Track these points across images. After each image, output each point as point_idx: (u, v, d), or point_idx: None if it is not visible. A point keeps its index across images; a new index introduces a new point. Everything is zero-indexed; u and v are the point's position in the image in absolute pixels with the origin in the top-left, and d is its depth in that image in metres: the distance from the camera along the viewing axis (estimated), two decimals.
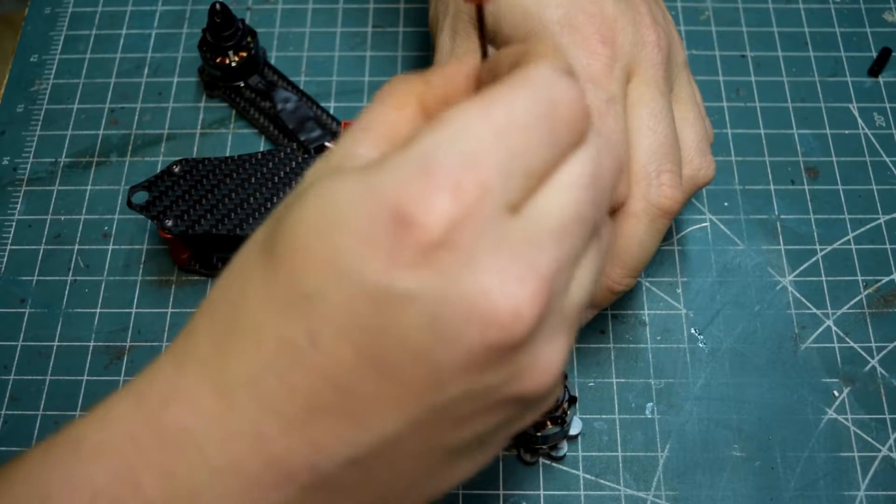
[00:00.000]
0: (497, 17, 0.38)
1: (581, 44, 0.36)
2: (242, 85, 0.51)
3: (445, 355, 0.23)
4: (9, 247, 0.48)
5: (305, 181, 0.26)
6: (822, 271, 0.46)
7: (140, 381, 0.26)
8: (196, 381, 0.25)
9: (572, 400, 0.40)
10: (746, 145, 0.50)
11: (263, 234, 0.25)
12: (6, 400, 0.43)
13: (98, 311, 0.46)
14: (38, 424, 0.43)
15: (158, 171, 0.45)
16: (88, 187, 0.49)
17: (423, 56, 0.53)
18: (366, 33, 0.54)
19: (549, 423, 0.40)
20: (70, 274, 0.47)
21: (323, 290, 0.23)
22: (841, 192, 0.49)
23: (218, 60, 0.49)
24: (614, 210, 0.36)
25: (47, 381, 0.44)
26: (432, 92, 0.27)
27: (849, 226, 0.48)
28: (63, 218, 0.48)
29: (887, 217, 0.48)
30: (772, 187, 0.49)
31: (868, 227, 0.48)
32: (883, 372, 0.44)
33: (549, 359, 0.25)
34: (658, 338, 0.45)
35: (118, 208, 0.49)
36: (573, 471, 0.42)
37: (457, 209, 0.22)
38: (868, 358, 0.44)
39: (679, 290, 0.46)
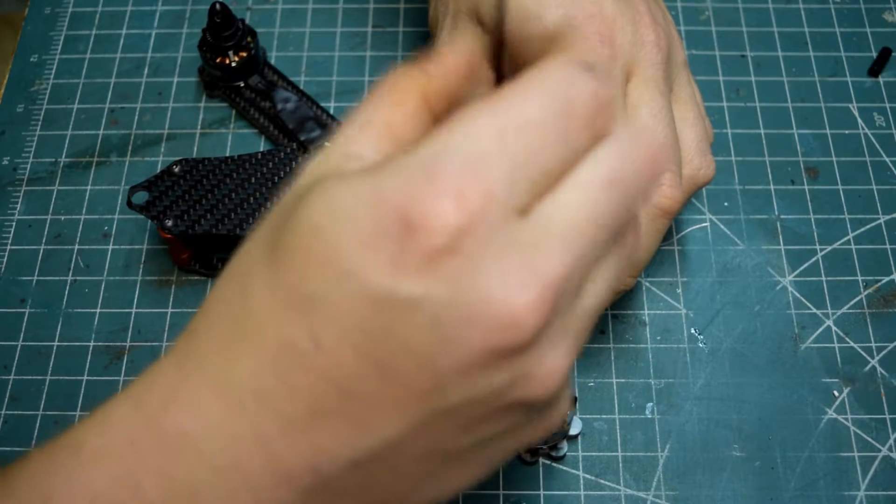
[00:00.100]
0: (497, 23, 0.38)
1: (580, 43, 0.36)
2: (242, 85, 0.51)
3: (447, 359, 0.23)
4: (9, 247, 0.48)
5: (304, 179, 0.26)
6: (822, 271, 0.46)
7: (139, 384, 0.26)
8: (197, 383, 0.25)
9: (572, 400, 0.40)
10: (746, 145, 0.50)
11: (265, 234, 0.25)
12: (6, 400, 0.43)
13: (98, 311, 0.46)
14: (38, 424, 0.43)
15: (158, 171, 0.45)
16: (88, 187, 0.49)
17: None
18: (366, 33, 0.54)
19: None
20: (70, 274, 0.47)
21: (326, 292, 0.23)
22: (841, 192, 0.49)
23: (218, 60, 0.49)
24: None
25: (47, 381, 0.44)
26: (433, 85, 0.27)
27: (849, 226, 0.48)
28: (63, 218, 0.48)
29: (887, 217, 0.48)
30: (772, 187, 0.49)
31: (868, 227, 0.48)
32: (883, 372, 0.44)
33: (552, 364, 0.24)
34: (658, 338, 0.45)
35: (118, 208, 0.49)
36: (573, 471, 0.42)
37: (461, 215, 0.22)
38: (868, 358, 0.44)
39: (679, 290, 0.46)
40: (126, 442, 0.25)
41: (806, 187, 0.49)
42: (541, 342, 0.24)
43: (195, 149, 0.50)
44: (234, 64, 0.49)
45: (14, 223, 0.48)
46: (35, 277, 0.47)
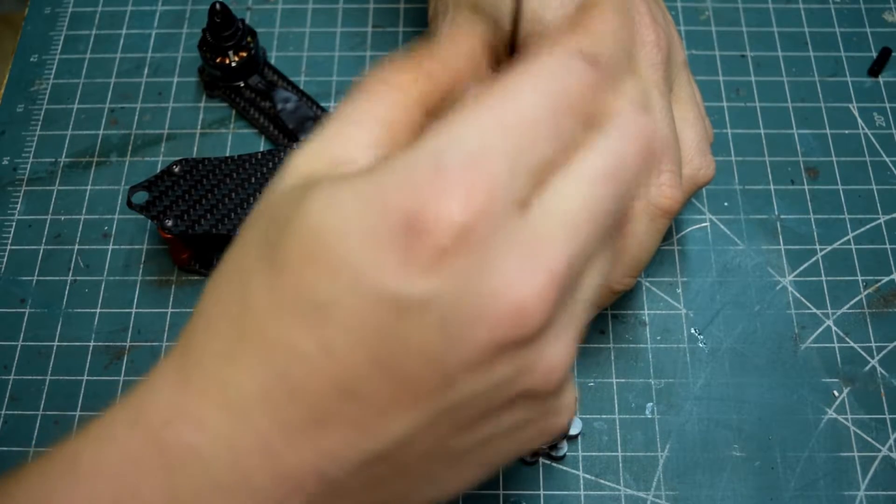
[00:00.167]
0: (498, 18, 0.38)
1: None
2: (242, 85, 0.51)
3: (456, 356, 0.23)
4: (9, 247, 0.48)
5: (291, 178, 0.25)
6: (822, 271, 0.46)
7: (137, 397, 0.25)
8: (198, 394, 0.24)
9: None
10: (746, 145, 0.50)
11: (258, 240, 0.25)
12: (6, 400, 0.43)
13: (98, 311, 0.46)
14: (38, 424, 0.43)
15: (158, 171, 0.45)
16: (88, 187, 0.49)
17: None
18: (366, 33, 0.54)
19: None
20: (70, 274, 0.47)
21: (335, 298, 0.22)
22: (841, 192, 0.49)
23: (218, 60, 0.49)
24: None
25: (47, 381, 0.44)
26: (430, 81, 0.26)
27: (849, 226, 0.48)
28: (63, 218, 0.48)
29: (887, 217, 0.48)
30: (772, 187, 0.49)
31: (868, 227, 0.48)
32: (883, 372, 0.44)
33: (556, 355, 0.25)
34: (658, 338, 0.45)
35: (118, 208, 0.49)
36: (573, 471, 0.42)
37: (468, 213, 0.22)
38: (868, 358, 0.44)
39: (679, 290, 0.46)
40: (126, 458, 0.24)
41: (806, 187, 0.49)
42: (545, 334, 0.24)
43: (195, 149, 0.50)
44: (234, 64, 0.49)
45: (14, 223, 0.48)
46: (35, 277, 0.47)
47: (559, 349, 0.24)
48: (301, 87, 0.51)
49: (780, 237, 0.47)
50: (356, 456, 0.24)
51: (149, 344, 0.45)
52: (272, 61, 0.53)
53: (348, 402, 0.23)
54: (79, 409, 0.43)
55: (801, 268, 0.46)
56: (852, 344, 0.44)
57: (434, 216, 0.22)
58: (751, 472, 0.41)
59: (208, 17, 0.48)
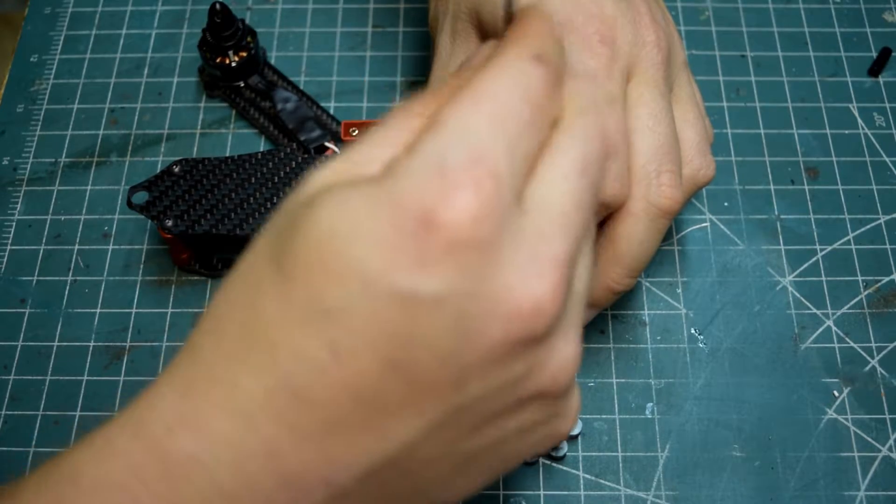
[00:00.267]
0: (497, 18, 0.38)
1: (581, 44, 0.36)
2: (242, 85, 0.51)
3: (469, 353, 0.23)
4: (9, 247, 0.48)
5: (308, 189, 0.25)
6: (822, 271, 0.46)
7: (139, 408, 0.25)
8: (202, 402, 0.24)
9: None
10: (746, 145, 0.50)
11: (268, 248, 0.25)
12: (6, 400, 0.43)
13: (98, 311, 0.46)
14: (38, 424, 0.43)
15: (158, 171, 0.45)
16: (88, 187, 0.49)
17: (423, 56, 0.53)
18: (366, 33, 0.54)
19: None
20: (70, 274, 0.47)
21: (347, 302, 0.22)
22: (841, 192, 0.49)
23: (218, 60, 0.49)
24: (614, 211, 0.36)
25: (47, 381, 0.44)
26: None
27: (849, 226, 0.48)
28: (63, 218, 0.48)
29: (887, 217, 0.48)
30: (772, 187, 0.49)
31: (868, 227, 0.48)
32: (883, 372, 0.44)
33: (565, 354, 0.25)
34: (658, 338, 0.45)
35: (118, 208, 0.49)
36: (573, 471, 0.42)
37: (477, 204, 0.22)
38: (868, 358, 0.44)
39: (679, 290, 0.46)
40: (129, 471, 0.24)
41: (806, 187, 0.49)
42: (555, 331, 0.24)
43: (195, 149, 0.50)
44: (234, 64, 0.49)
45: (14, 223, 0.48)
46: (35, 277, 0.47)
47: (568, 347, 0.25)
48: (301, 87, 0.51)
49: (780, 237, 0.47)
50: (365, 461, 0.24)
51: (149, 344, 0.45)
52: (272, 61, 0.53)
53: (358, 407, 0.23)
54: (79, 409, 0.43)
55: (801, 268, 0.46)
56: (852, 344, 0.44)
57: (445, 211, 0.22)
58: (751, 472, 0.41)
59: (208, 17, 0.48)
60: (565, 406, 0.27)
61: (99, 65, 0.53)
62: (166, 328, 0.45)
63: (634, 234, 0.36)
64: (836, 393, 0.43)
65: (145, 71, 0.53)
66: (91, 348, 0.45)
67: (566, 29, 0.36)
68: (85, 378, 0.44)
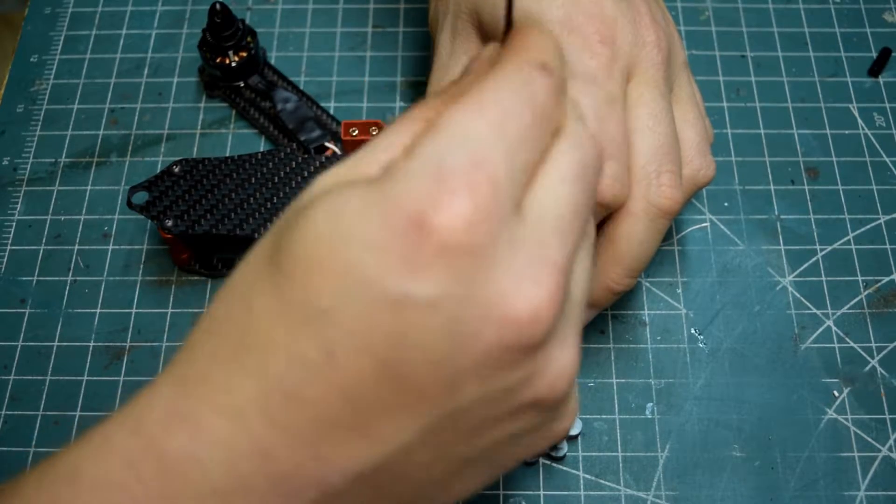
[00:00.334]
0: (498, 18, 0.38)
1: (581, 44, 0.36)
2: (242, 85, 0.51)
3: (462, 358, 0.23)
4: (9, 247, 0.48)
5: (309, 193, 0.25)
6: (822, 271, 0.46)
7: (136, 405, 0.25)
8: (198, 401, 0.24)
9: None
10: (746, 145, 0.50)
11: (267, 249, 0.25)
12: (6, 400, 0.43)
13: (98, 311, 0.46)
14: (38, 424, 0.43)
15: (158, 171, 0.45)
16: (88, 187, 0.49)
17: (423, 56, 0.53)
18: (366, 33, 0.54)
19: None
20: (70, 274, 0.47)
21: (340, 303, 0.22)
22: (841, 192, 0.49)
23: (218, 60, 0.49)
24: (614, 211, 0.36)
25: (47, 381, 0.44)
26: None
27: (849, 226, 0.48)
28: (63, 218, 0.48)
29: (887, 217, 0.48)
30: (772, 187, 0.49)
31: (868, 227, 0.48)
32: (883, 372, 0.44)
33: (562, 361, 0.25)
34: (658, 338, 0.45)
35: (118, 208, 0.49)
36: (573, 471, 0.42)
37: (472, 209, 0.22)
38: (868, 358, 0.44)
39: (679, 290, 0.46)
40: (126, 468, 0.24)
41: (806, 187, 0.49)
42: (552, 339, 0.24)
43: (195, 149, 0.50)
44: (234, 64, 0.49)
45: (14, 223, 0.48)
46: (35, 277, 0.47)
47: (566, 354, 0.25)
48: (301, 87, 0.51)
49: (780, 237, 0.47)
50: (358, 464, 0.24)
51: (149, 344, 0.45)
52: (272, 61, 0.53)
53: (351, 408, 0.23)
54: (79, 409, 0.43)
55: (801, 268, 0.46)
56: (852, 344, 0.44)
57: (438, 215, 0.22)
58: (751, 472, 0.41)
59: (208, 17, 0.48)
60: (563, 410, 0.27)
61: (99, 65, 0.53)
62: (166, 328, 0.45)
63: (634, 234, 0.36)
64: (836, 393, 0.43)
65: (145, 71, 0.53)
66: (91, 348, 0.45)
67: (566, 29, 0.36)
68: (85, 378, 0.44)
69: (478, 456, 0.26)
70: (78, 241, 0.48)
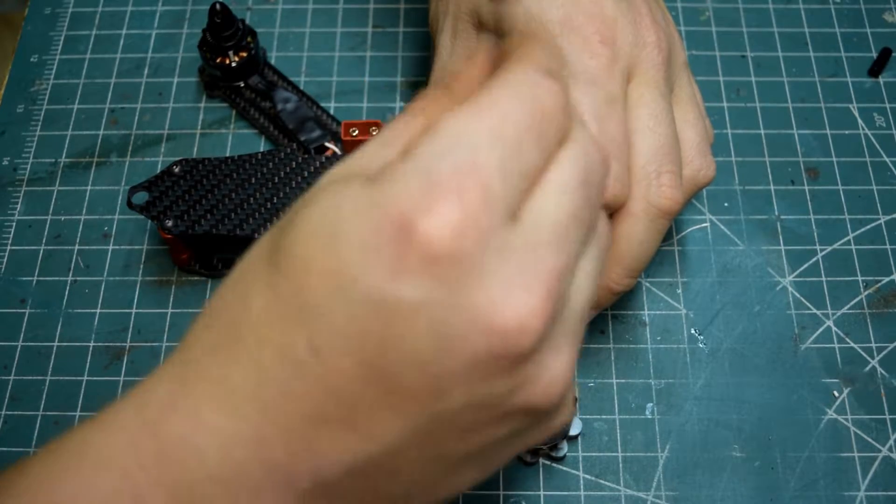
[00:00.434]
0: (498, 18, 0.38)
1: (581, 44, 0.36)
2: (242, 85, 0.51)
3: (448, 364, 0.23)
4: (9, 247, 0.48)
5: (314, 190, 0.26)
6: (822, 271, 0.46)
7: (141, 389, 0.26)
8: (195, 390, 0.25)
9: (573, 400, 0.40)
10: (746, 145, 0.50)
11: (266, 245, 0.25)
12: (6, 400, 0.43)
13: (98, 311, 0.46)
14: (38, 424, 0.43)
15: (158, 171, 0.45)
16: (88, 187, 0.49)
17: (423, 56, 0.53)
18: (366, 33, 0.54)
19: None
20: (70, 274, 0.47)
21: (325, 301, 0.23)
22: (841, 192, 0.49)
23: (218, 60, 0.49)
24: (614, 211, 0.36)
25: (47, 381, 0.44)
26: (456, 102, 0.27)
27: (849, 226, 0.48)
28: (63, 218, 0.48)
29: (887, 217, 0.48)
30: (772, 187, 0.49)
31: (868, 227, 0.48)
32: (883, 372, 0.44)
33: (555, 370, 0.25)
34: (658, 338, 0.45)
35: (118, 208, 0.49)
36: (573, 471, 0.42)
37: (461, 217, 0.22)
38: (868, 358, 0.44)
39: (679, 291, 0.46)
40: (129, 447, 0.25)
41: (806, 187, 0.49)
42: (543, 347, 0.24)
43: (195, 149, 0.50)
44: (234, 64, 0.49)
45: (14, 223, 0.48)
46: (35, 277, 0.47)
47: (558, 364, 0.24)
48: (301, 87, 0.51)
49: (780, 237, 0.47)
50: (348, 458, 0.24)
51: (149, 344, 0.45)
52: (272, 61, 0.53)
53: (338, 405, 0.23)
54: (79, 409, 0.43)
55: (802, 268, 0.47)
56: (852, 344, 0.44)
57: (427, 220, 0.22)
58: (751, 472, 0.41)
59: (208, 17, 0.48)
60: (556, 412, 0.27)
61: (99, 65, 0.53)
62: (166, 328, 0.45)
63: (634, 234, 0.36)
64: (836, 393, 0.43)
65: (145, 71, 0.53)
66: (91, 348, 0.45)
67: (566, 29, 0.36)
68: (85, 378, 0.44)
69: (471, 455, 0.26)
70: (78, 241, 0.48)
